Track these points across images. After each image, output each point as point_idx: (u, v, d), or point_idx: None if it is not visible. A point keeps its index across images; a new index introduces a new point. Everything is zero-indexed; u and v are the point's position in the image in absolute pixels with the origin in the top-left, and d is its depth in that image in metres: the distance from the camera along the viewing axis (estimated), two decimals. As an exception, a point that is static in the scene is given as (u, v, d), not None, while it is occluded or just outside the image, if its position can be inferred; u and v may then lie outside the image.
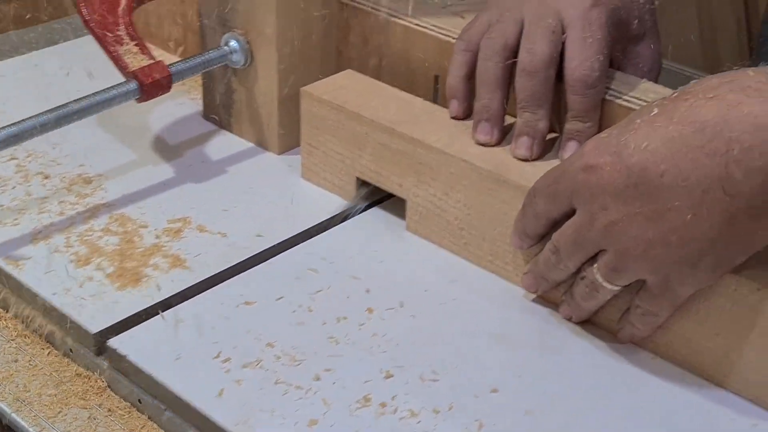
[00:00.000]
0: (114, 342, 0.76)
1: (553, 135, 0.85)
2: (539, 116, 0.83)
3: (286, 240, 0.88)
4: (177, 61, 0.94)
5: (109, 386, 0.76)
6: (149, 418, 0.74)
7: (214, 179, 0.96)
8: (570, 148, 0.83)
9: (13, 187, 0.93)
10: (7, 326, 0.81)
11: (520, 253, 0.81)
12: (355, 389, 0.73)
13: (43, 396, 0.75)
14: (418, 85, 0.95)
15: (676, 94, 0.69)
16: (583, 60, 0.82)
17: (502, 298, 0.82)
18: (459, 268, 0.85)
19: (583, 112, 0.82)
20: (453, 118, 0.87)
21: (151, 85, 0.90)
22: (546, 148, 0.84)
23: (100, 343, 0.77)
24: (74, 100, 0.88)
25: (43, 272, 0.82)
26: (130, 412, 0.74)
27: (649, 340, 0.76)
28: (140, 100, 0.91)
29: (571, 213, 0.73)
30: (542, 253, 0.77)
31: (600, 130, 0.83)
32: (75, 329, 0.78)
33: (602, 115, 0.84)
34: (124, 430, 0.73)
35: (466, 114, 0.86)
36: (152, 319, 0.79)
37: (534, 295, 0.81)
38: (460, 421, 0.71)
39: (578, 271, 0.75)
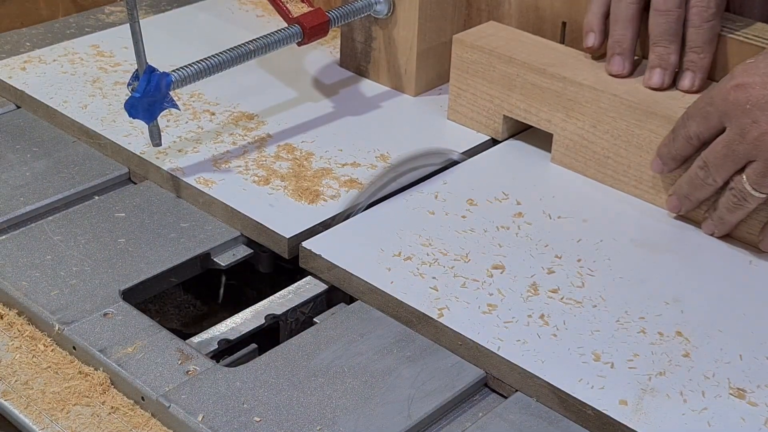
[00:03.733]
0: (307, 244, 0.87)
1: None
2: (671, 50, 0.93)
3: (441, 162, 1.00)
4: (332, 9, 1.05)
5: (112, 384, 0.77)
6: (152, 415, 0.75)
7: (366, 115, 1.07)
8: (686, 78, 0.94)
9: (186, 122, 1.04)
10: (12, 324, 0.82)
11: (662, 178, 0.92)
12: (523, 282, 0.84)
13: (47, 394, 0.75)
14: (546, 31, 1.06)
15: None
16: None
17: (644, 213, 0.93)
18: (604, 191, 0.96)
19: (699, 44, 0.93)
20: (588, 48, 0.98)
21: (312, 29, 1.02)
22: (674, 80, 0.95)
23: (294, 246, 0.88)
24: (248, 42, 0.99)
25: (232, 190, 0.94)
26: (133, 410, 0.75)
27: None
28: (301, 43, 1.02)
29: (720, 132, 0.84)
30: (688, 172, 0.88)
31: (715, 64, 0.94)
32: (270, 235, 0.89)
33: (719, 50, 0.94)
34: (127, 427, 0.73)
35: (601, 46, 0.97)
36: (334, 227, 0.90)
37: (675, 215, 0.92)
38: (614, 307, 0.82)
39: (724, 185, 0.85)
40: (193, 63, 0.95)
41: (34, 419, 0.73)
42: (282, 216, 0.90)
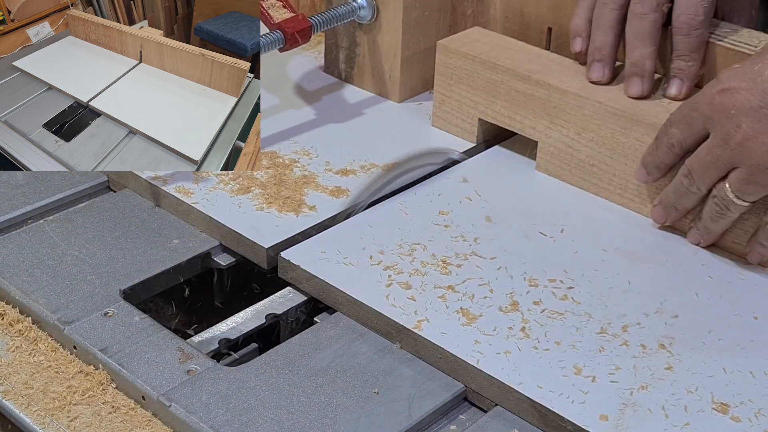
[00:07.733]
0: (286, 254, 0.86)
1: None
2: (646, 55, 0.92)
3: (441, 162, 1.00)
4: (314, 15, 1.03)
5: (113, 383, 0.77)
6: (153, 414, 0.75)
7: (349, 122, 1.06)
8: (673, 85, 0.92)
9: (167, 129, 1.03)
10: (12, 323, 0.82)
11: (647, 187, 0.90)
12: (505, 293, 0.83)
13: (48, 393, 0.75)
14: (531, 37, 1.05)
15: None
16: (689, 5, 0.91)
17: (629, 222, 0.91)
18: (589, 199, 0.94)
19: (687, 52, 0.92)
20: (576, 54, 0.96)
21: (294, 35, 1.00)
22: (655, 87, 0.94)
23: (272, 256, 0.87)
24: (229, 48, 0.98)
25: (212, 201, 0.92)
26: (134, 409, 0.75)
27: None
28: (283, 49, 1.01)
29: (704, 139, 0.83)
30: (673, 181, 0.86)
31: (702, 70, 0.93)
32: (248, 245, 0.88)
33: (707, 57, 0.93)
34: (128, 426, 0.73)
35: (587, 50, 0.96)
36: (314, 236, 0.89)
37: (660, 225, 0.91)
38: (597, 319, 0.80)
39: (708, 192, 0.84)
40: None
41: (34, 419, 0.73)
42: (261, 226, 0.89)
